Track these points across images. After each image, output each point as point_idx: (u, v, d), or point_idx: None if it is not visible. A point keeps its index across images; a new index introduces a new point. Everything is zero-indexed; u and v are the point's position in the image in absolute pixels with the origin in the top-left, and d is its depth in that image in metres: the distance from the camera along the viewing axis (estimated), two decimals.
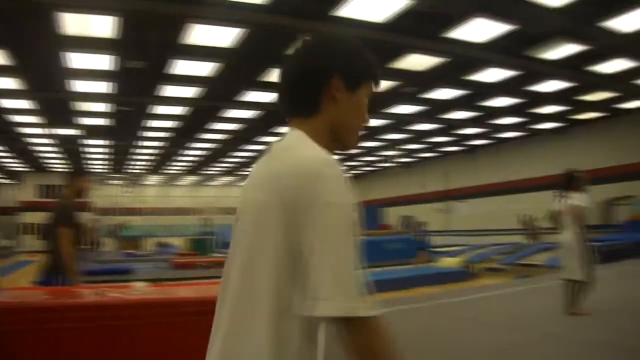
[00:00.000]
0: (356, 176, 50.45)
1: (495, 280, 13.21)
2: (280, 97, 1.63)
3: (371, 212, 36.13)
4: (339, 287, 1.29)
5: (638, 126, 27.26)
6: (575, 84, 21.07)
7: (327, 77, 1.55)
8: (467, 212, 36.83)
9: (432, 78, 19.43)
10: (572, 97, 23.52)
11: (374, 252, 17.73)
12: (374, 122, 26.99)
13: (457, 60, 17.40)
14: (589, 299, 7.82)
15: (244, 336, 1.37)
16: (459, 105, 24.02)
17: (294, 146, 1.49)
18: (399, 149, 36.38)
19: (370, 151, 37.14)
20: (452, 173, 38.59)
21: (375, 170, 47.08)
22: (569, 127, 30.27)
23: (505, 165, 34.96)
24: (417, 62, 17.56)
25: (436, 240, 26.23)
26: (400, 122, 27.49)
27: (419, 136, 32.11)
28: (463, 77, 19.56)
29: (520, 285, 11.71)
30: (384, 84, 19.96)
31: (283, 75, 1.63)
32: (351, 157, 39.87)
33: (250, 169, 1.75)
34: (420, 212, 38.59)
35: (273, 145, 1.56)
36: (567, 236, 7.88)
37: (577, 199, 7.88)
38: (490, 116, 26.96)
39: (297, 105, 1.58)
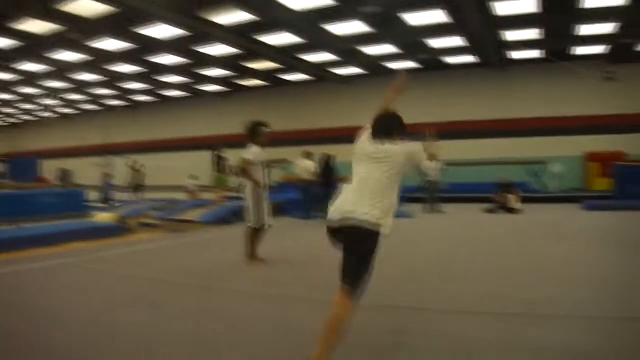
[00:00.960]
0: (13, 125, 46.40)
1: (150, 235, 13.21)
2: (382, 132, 4.10)
3: (27, 164, 33.54)
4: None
5: (296, 97, 29.67)
6: (242, 51, 21.90)
7: (400, 129, 4.13)
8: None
9: (99, 26, 18.41)
10: (238, 63, 24.45)
11: (29, 207, 16.60)
12: (31, 67, 24.95)
13: (126, 11, 16.77)
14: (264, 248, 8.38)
15: (388, 197, 3.89)
16: (124, 58, 23.36)
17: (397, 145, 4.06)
18: (59, 99, 34.26)
19: (27, 98, 33.90)
20: (114, 127, 37.65)
21: (33, 119, 43.35)
22: (233, 91, 31.56)
23: (169, 124, 35.17)
24: (84, 7, 16.49)
25: (95, 195, 25.37)
26: (62, 70, 25.54)
27: (81, 86, 30.35)
28: (131, 29, 18.95)
29: (173, 240, 11.88)
30: (45, 26, 18.56)
31: (386, 124, 4.16)
32: (6, 104, 36.62)
33: None
34: (79, 166, 37.09)
35: (384, 145, 4.04)
36: (246, 187, 8.15)
37: (250, 152, 8.12)
38: (155, 73, 26.75)
39: (390, 136, 4.04)
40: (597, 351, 4.09)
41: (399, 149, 3.95)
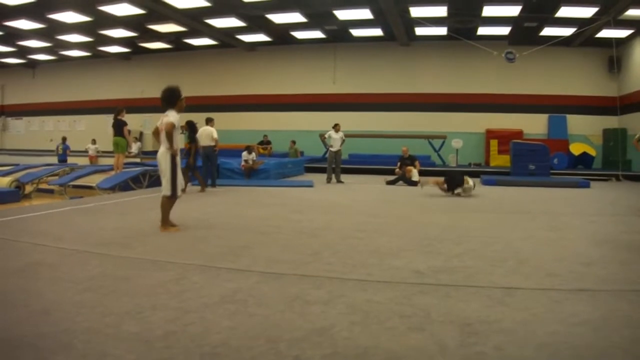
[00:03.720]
0: None
1: (47, 201, 12.71)
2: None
3: None
4: None
5: (200, 62, 29.15)
6: (145, 12, 21.21)
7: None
8: (24, 131, 35.10)
9: None
10: (142, 24, 23.71)
11: None
12: None
13: None
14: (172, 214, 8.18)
15: None
16: (22, 13, 22.01)
17: None
18: None
19: None
20: (9, 87, 35.93)
21: None
22: (135, 53, 30.60)
23: (69, 85, 33.73)
24: None
25: None
26: None
27: None
28: None
29: (72, 206, 11.46)
30: None
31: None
32: None
33: None
34: None
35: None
36: (160, 152, 7.93)
37: (172, 116, 7.89)
38: (55, 31, 25.47)
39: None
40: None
41: None
